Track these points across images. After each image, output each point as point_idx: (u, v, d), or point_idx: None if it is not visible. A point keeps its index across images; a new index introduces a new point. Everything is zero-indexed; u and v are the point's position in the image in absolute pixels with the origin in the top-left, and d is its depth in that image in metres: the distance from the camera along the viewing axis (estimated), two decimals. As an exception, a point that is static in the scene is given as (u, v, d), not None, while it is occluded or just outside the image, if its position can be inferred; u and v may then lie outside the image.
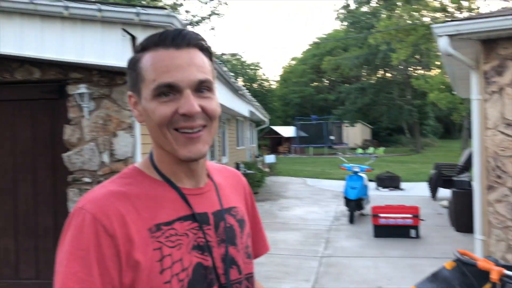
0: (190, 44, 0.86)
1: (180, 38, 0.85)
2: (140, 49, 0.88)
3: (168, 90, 0.84)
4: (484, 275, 2.55)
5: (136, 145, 4.36)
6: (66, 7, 3.87)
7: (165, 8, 4.13)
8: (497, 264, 2.59)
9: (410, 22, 24.10)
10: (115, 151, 4.28)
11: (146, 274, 0.79)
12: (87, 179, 4.21)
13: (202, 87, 0.86)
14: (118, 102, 4.30)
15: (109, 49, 3.96)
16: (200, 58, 0.87)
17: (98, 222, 0.78)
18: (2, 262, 4.34)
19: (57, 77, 4.28)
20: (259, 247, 1.12)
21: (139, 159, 4.39)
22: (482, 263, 3.14)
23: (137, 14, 3.88)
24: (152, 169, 0.91)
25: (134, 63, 0.89)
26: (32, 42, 4.00)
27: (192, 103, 0.83)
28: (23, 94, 4.36)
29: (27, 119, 4.37)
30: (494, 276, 2.35)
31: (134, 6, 4.05)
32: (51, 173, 4.31)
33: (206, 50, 0.90)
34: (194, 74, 0.84)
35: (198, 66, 0.86)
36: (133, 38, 4.02)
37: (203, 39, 0.89)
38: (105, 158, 4.28)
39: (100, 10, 3.86)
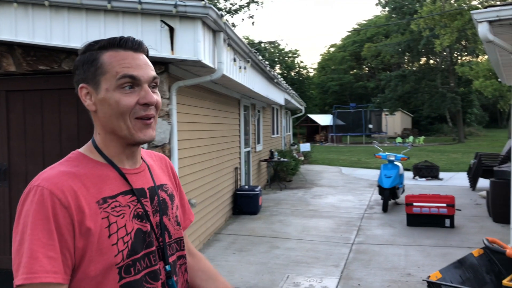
0: (143, 50, 1.10)
1: (136, 44, 1.07)
2: (97, 48, 1.06)
3: (130, 82, 1.03)
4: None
5: (173, 132, 4.57)
6: (109, 1, 4.08)
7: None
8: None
9: (456, 6, 23.15)
10: (154, 137, 4.50)
11: (96, 239, 0.97)
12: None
13: (153, 83, 1.08)
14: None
15: (148, 40, 4.14)
16: (148, 61, 1.10)
17: (55, 196, 0.95)
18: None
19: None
20: (186, 217, 1.33)
21: (176, 145, 4.61)
22: (511, 251, 3.14)
23: (175, 5, 4.04)
24: (96, 152, 1.09)
25: (92, 59, 1.05)
26: (78, 34, 4.24)
27: (151, 95, 1.05)
28: (68, 83, 4.65)
29: (72, 108, 4.67)
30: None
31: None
32: (95, 157, 4.60)
33: (148, 56, 1.12)
34: (150, 72, 1.07)
35: (150, 66, 1.09)
36: (172, 29, 4.20)
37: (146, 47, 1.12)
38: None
39: (140, 3, 4.05)
